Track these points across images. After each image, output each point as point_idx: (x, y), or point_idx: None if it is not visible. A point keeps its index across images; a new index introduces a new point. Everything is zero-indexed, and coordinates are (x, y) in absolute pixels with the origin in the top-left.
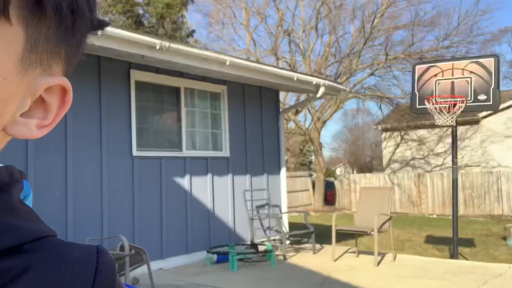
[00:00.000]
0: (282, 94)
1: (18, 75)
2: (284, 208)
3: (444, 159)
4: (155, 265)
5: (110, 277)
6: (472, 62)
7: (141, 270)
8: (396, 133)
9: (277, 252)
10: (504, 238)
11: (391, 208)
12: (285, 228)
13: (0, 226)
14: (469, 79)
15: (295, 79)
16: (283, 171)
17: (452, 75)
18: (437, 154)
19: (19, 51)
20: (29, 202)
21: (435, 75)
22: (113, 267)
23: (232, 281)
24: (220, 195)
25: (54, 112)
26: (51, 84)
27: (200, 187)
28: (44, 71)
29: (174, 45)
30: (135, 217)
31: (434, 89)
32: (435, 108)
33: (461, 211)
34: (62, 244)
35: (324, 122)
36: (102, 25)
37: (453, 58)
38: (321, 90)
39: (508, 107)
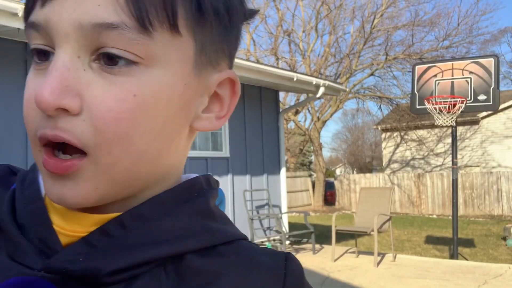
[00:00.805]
0: (282, 94)
1: (195, 78)
2: (284, 208)
3: (444, 159)
4: None
5: (298, 285)
6: (472, 62)
7: None
8: (396, 133)
9: None
10: (504, 238)
11: (391, 208)
12: (285, 228)
13: (199, 227)
14: (469, 79)
15: (295, 79)
16: (283, 171)
17: (452, 75)
18: (437, 154)
19: (192, 57)
20: (222, 207)
21: (435, 75)
22: (302, 275)
23: None
24: None
25: (227, 103)
26: (222, 79)
27: None
28: (214, 69)
29: None
30: None
31: (434, 89)
32: (435, 108)
33: (461, 211)
34: (253, 248)
35: (324, 122)
36: (253, 14)
37: (453, 58)
38: (321, 90)
39: (508, 107)
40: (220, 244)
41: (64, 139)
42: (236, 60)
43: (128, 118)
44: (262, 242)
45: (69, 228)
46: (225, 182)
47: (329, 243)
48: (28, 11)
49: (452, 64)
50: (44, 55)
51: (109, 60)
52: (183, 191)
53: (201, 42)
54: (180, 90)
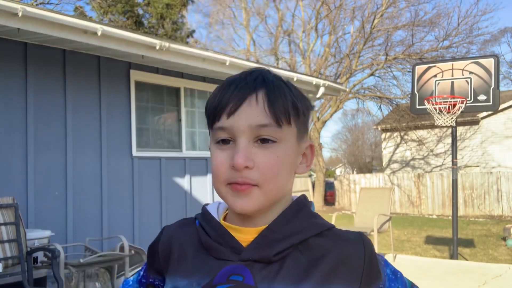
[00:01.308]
0: None
1: (297, 147)
2: None
3: (444, 159)
4: None
5: (372, 250)
6: (472, 62)
7: None
8: (396, 134)
9: None
10: (504, 239)
11: (390, 208)
12: None
13: (310, 223)
14: (469, 80)
15: (295, 79)
16: None
17: (452, 76)
18: (437, 155)
19: (295, 136)
20: (313, 209)
21: (435, 75)
22: (372, 245)
23: None
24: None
25: (309, 157)
26: (306, 145)
27: (200, 187)
28: (302, 140)
29: (174, 45)
30: (135, 217)
31: (434, 89)
32: (435, 108)
33: (461, 211)
34: (341, 231)
35: (324, 122)
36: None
37: (453, 59)
38: (321, 90)
39: (508, 108)
40: (324, 230)
41: (246, 182)
42: (235, 60)
43: (276, 167)
44: None
45: (243, 238)
46: None
47: None
48: (213, 119)
49: (452, 64)
50: (225, 142)
51: (262, 141)
52: (297, 206)
53: (298, 128)
54: (293, 154)
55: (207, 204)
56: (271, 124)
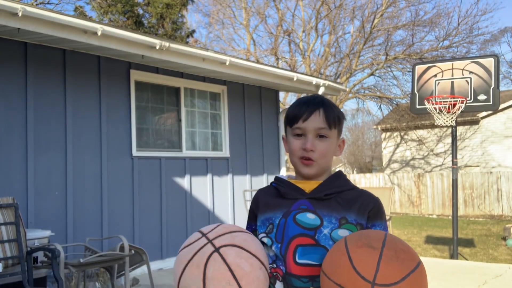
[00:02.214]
0: (282, 94)
1: (336, 142)
2: None
3: (444, 159)
4: (155, 265)
5: (380, 204)
6: (472, 62)
7: (141, 270)
8: (396, 133)
9: None
10: (504, 238)
11: (390, 208)
12: None
13: (346, 183)
14: (468, 79)
15: (295, 79)
16: (283, 171)
17: (452, 75)
18: (437, 154)
19: (336, 135)
20: None
21: (435, 75)
22: (381, 204)
23: None
24: (220, 195)
25: (342, 147)
26: (341, 140)
27: (200, 187)
28: (339, 137)
29: (174, 45)
30: (135, 217)
31: (434, 89)
32: (435, 108)
33: (461, 211)
34: (362, 189)
35: None
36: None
37: (453, 58)
38: (321, 90)
39: (508, 107)
40: (354, 187)
41: (311, 158)
42: (236, 60)
43: (326, 151)
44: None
45: (305, 187)
46: (225, 182)
47: None
48: (293, 121)
49: (452, 64)
50: (299, 136)
51: (320, 137)
52: (337, 173)
53: (338, 130)
54: (335, 145)
55: (278, 175)
56: (326, 127)
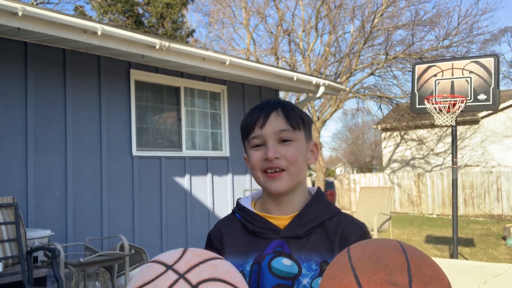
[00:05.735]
0: (282, 94)
1: (306, 145)
2: None
3: (444, 158)
4: None
5: (366, 229)
6: (472, 62)
7: None
8: (396, 133)
9: None
10: (504, 238)
11: (390, 207)
12: None
13: (326, 209)
14: (469, 79)
15: (295, 79)
16: None
17: (452, 75)
18: (437, 154)
19: (304, 138)
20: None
21: (435, 74)
22: (367, 228)
23: None
24: (220, 195)
25: (316, 152)
26: (312, 144)
27: (200, 187)
28: (308, 141)
29: (174, 45)
30: (135, 217)
31: (434, 88)
32: (435, 107)
33: (461, 211)
34: (346, 213)
35: (324, 121)
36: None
37: (453, 58)
38: (321, 89)
39: (508, 107)
40: (336, 212)
41: (278, 166)
42: (236, 59)
43: (295, 156)
44: None
45: (279, 223)
46: (225, 182)
47: None
48: (248, 132)
49: (452, 63)
50: (258, 146)
51: (283, 141)
52: (316, 197)
53: (305, 132)
54: (304, 149)
55: (239, 199)
56: (288, 129)
